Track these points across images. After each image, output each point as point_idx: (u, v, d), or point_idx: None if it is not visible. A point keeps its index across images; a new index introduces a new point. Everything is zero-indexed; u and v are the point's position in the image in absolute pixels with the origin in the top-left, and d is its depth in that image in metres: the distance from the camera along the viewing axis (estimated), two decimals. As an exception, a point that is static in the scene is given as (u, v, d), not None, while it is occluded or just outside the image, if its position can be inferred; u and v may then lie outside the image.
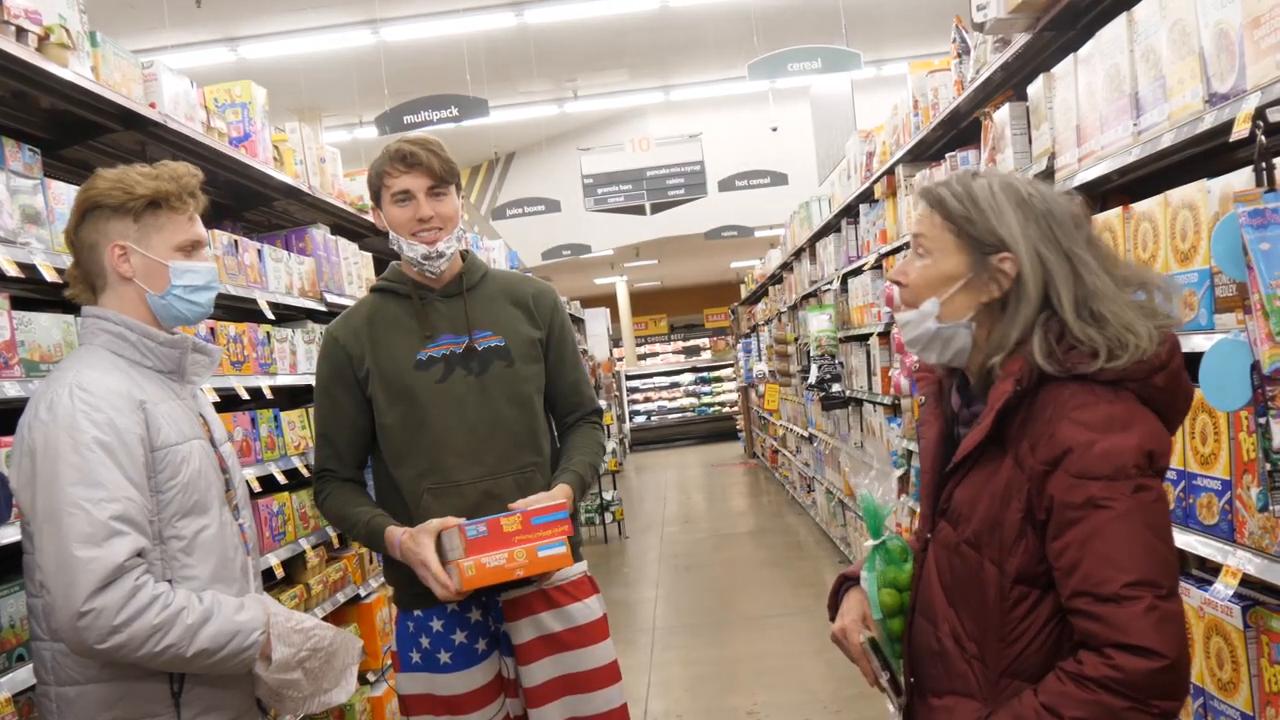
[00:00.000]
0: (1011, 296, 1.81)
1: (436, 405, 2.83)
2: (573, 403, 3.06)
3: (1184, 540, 2.69)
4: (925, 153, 5.64)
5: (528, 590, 2.86)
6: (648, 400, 24.39)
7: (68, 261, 2.44)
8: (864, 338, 7.21)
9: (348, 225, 5.84)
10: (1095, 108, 3.13)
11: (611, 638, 3.00)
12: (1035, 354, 1.75)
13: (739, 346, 19.07)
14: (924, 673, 1.94)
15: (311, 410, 4.56)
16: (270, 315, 4.31)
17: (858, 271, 7.35)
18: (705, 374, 25.04)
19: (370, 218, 5.87)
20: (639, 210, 16.09)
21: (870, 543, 2.13)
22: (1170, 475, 2.74)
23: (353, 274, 5.49)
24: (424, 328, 2.87)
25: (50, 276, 2.77)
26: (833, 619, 2.12)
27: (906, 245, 5.72)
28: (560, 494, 2.79)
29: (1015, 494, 1.76)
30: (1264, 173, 2.10)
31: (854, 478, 2.32)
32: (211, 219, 4.48)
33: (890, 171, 6.20)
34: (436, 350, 2.86)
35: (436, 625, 2.89)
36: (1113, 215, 2.95)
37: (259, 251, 4.31)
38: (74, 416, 2.13)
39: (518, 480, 2.85)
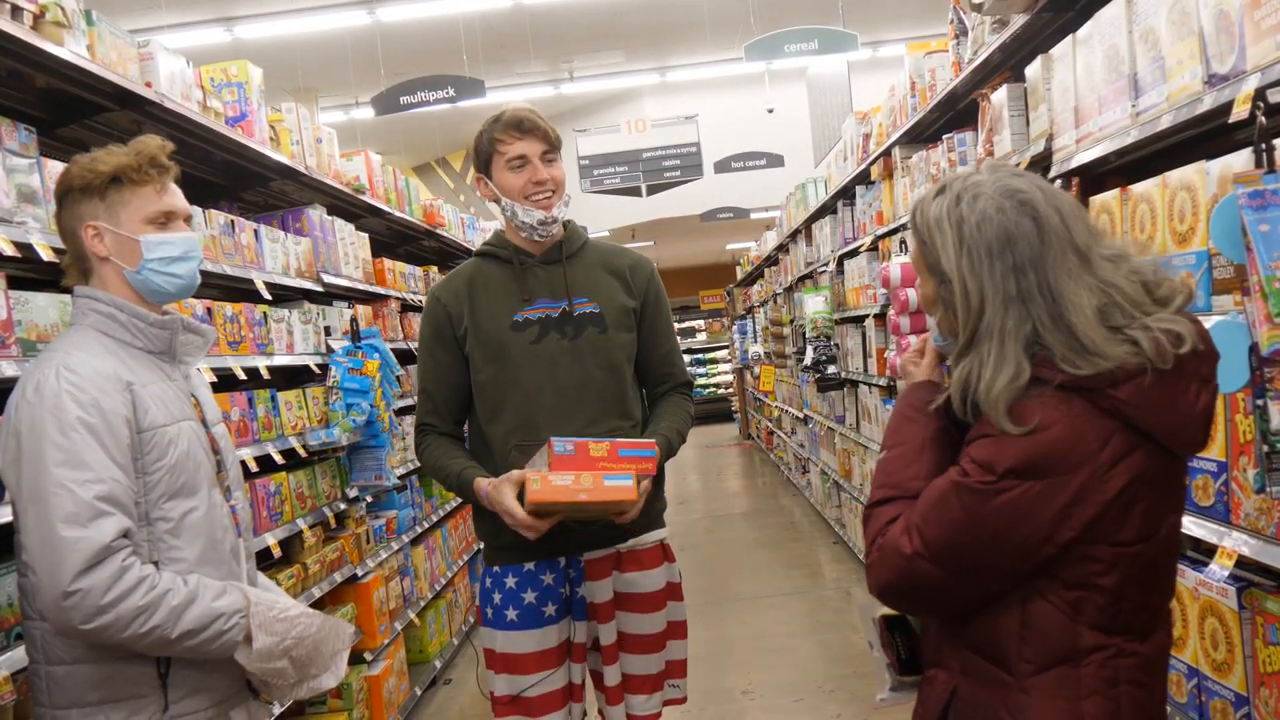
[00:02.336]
0: None
1: (529, 365, 2.92)
2: (664, 373, 3.13)
3: (1179, 521, 2.70)
4: (922, 134, 5.63)
5: (608, 551, 2.98)
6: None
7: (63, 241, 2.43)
8: (860, 319, 7.21)
9: (344, 205, 5.83)
10: (1094, 89, 3.12)
11: (680, 602, 3.17)
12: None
13: (734, 328, 19.06)
14: (924, 647, 1.96)
15: (309, 391, 4.58)
16: (267, 295, 4.31)
17: (854, 253, 7.34)
18: (701, 355, 25.02)
19: (367, 198, 5.88)
20: (635, 192, 16.05)
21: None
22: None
23: (349, 254, 5.49)
24: (522, 291, 2.96)
25: (47, 256, 2.76)
26: None
27: (903, 227, 5.72)
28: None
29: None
30: (1264, 154, 2.09)
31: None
32: (207, 199, 4.49)
33: (887, 153, 6.19)
34: (533, 313, 2.95)
35: (510, 582, 2.97)
36: (1110, 197, 2.95)
37: (256, 232, 4.30)
38: (59, 397, 2.12)
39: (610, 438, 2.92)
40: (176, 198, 2.38)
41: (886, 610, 2.06)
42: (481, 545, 3.11)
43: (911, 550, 1.75)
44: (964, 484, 1.70)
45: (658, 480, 2.94)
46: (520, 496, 2.70)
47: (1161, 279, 1.77)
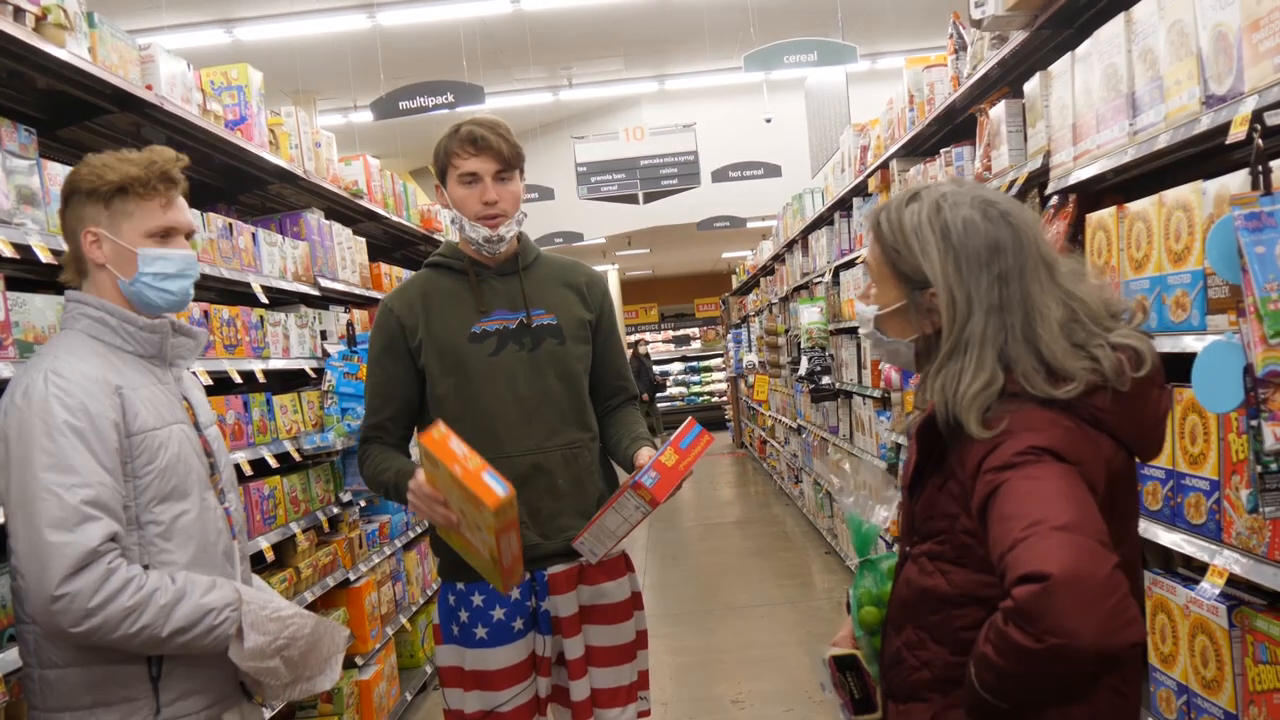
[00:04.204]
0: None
1: (488, 377, 2.90)
2: (617, 386, 3.14)
3: (1170, 539, 2.71)
4: (920, 148, 5.65)
5: (570, 565, 2.94)
6: (637, 389, 24.33)
7: (62, 243, 2.43)
8: (855, 331, 7.22)
9: (342, 210, 5.83)
10: (1092, 106, 3.13)
11: (642, 611, 3.13)
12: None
13: (729, 337, 19.07)
14: (890, 680, 1.96)
15: (304, 395, 4.58)
16: (264, 299, 4.31)
17: (850, 265, 7.36)
18: (695, 363, 25.05)
19: (365, 203, 5.88)
20: (632, 199, 16.06)
21: (855, 562, 2.16)
22: (1158, 473, 2.76)
23: (346, 258, 5.49)
24: (479, 303, 2.94)
25: (45, 258, 2.76)
26: None
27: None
28: (645, 456, 2.82)
29: (962, 508, 1.76)
30: (1260, 176, 2.11)
31: (840, 497, 2.31)
32: (205, 202, 4.49)
33: (884, 166, 6.21)
34: (490, 324, 2.93)
35: (477, 600, 2.93)
36: (1107, 214, 2.96)
37: (253, 235, 4.31)
38: (47, 402, 2.12)
39: (565, 455, 2.93)
40: (181, 213, 2.38)
41: (836, 650, 2.07)
42: (438, 560, 3.05)
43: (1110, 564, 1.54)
44: (1014, 479, 1.64)
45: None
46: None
47: (1114, 296, 1.81)
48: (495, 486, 2.32)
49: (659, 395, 23.91)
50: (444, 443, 2.41)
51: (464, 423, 2.85)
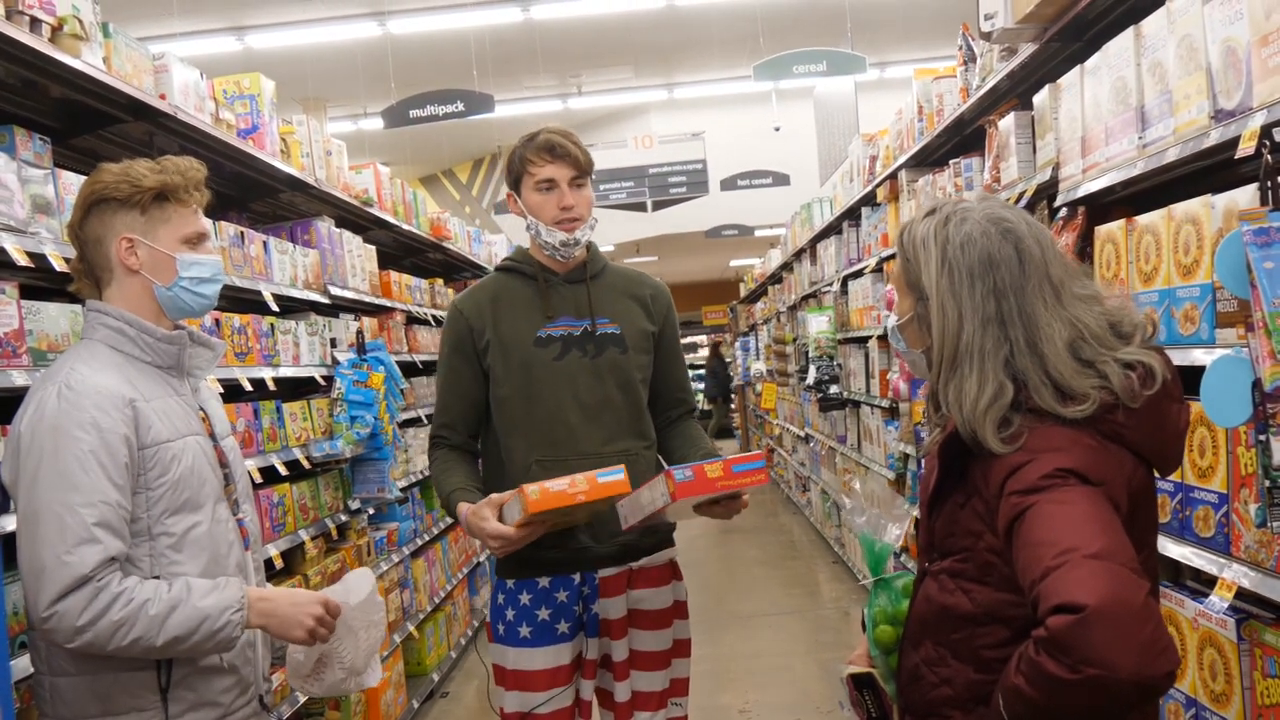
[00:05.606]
0: None
1: (551, 381, 2.95)
2: (678, 398, 3.19)
3: (1179, 551, 2.71)
4: (929, 158, 5.66)
5: (621, 569, 2.99)
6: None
7: (71, 261, 2.45)
8: (863, 340, 7.23)
9: (352, 218, 5.85)
10: (1101, 119, 3.14)
11: (685, 620, 3.15)
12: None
13: (737, 345, 19.07)
14: (907, 696, 1.96)
15: (313, 402, 4.60)
16: (274, 307, 4.33)
17: (858, 274, 7.36)
18: (703, 371, 24.98)
19: (375, 211, 5.90)
20: (640, 207, 16.11)
21: (868, 581, 2.17)
22: (1167, 486, 2.76)
23: (356, 266, 5.51)
24: (546, 307, 2.99)
25: (59, 266, 2.78)
26: None
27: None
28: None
29: (986, 526, 1.77)
30: (1269, 191, 2.11)
31: (852, 516, 2.32)
32: (217, 210, 4.51)
33: (893, 176, 6.22)
34: (556, 330, 2.98)
35: (525, 599, 2.98)
36: (1115, 227, 2.97)
37: (265, 243, 4.33)
38: (59, 418, 2.14)
39: (620, 461, 2.90)
40: (205, 220, 2.45)
41: (853, 668, 2.07)
42: (491, 558, 3.14)
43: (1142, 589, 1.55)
44: (1043, 504, 1.64)
45: None
46: (501, 516, 2.68)
47: (1124, 316, 1.82)
48: (612, 479, 2.60)
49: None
50: (548, 497, 2.56)
51: (525, 425, 2.95)
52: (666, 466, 2.67)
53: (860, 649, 2.13)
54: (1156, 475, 1.86)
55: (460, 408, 3.05)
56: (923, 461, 2.14)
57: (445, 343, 3.08)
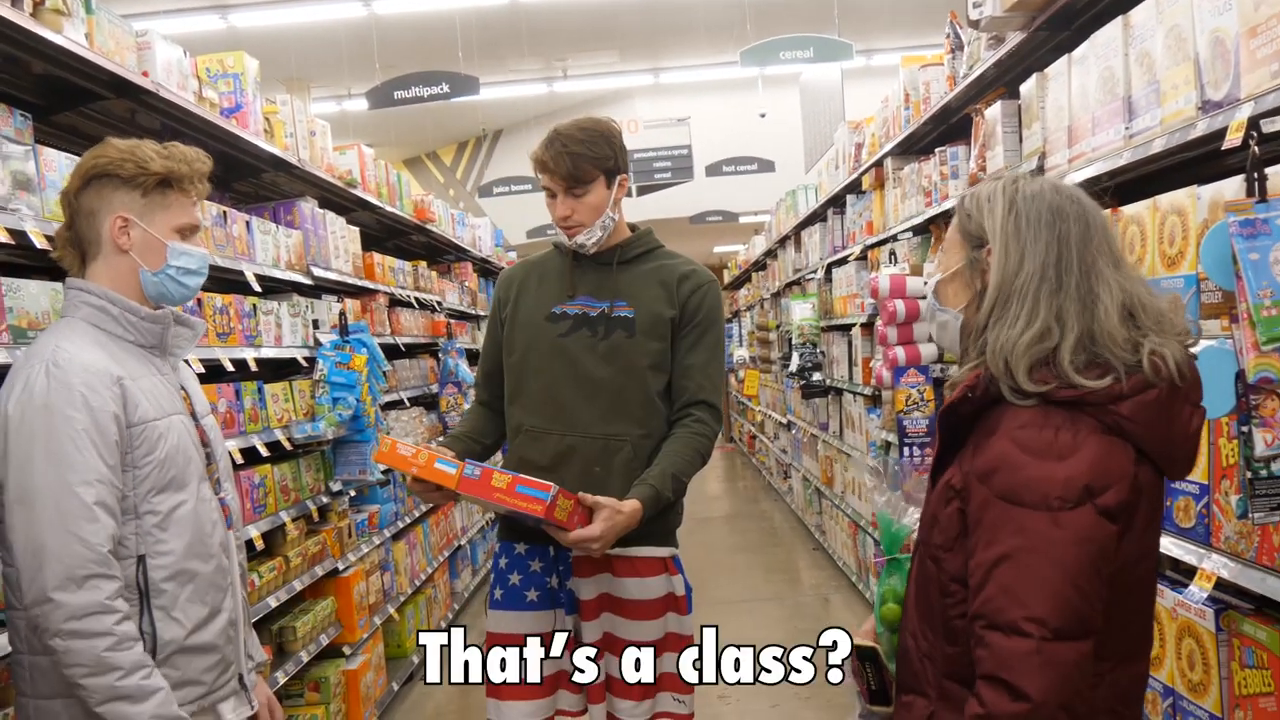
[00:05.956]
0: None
1: (551, 355, 3.01)
2: (682, 385, 3.04)
3: (1159, 542, 2.72)
4: (914, 146, 5.66)
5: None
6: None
7: (57, 229, 2.42)
8: (846, 328, 7.24)
9: (336, 199, 5.82)
10: (1088, 109, 3.15)
11: (685, 615, 3.09)
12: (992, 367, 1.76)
13: (720, 331, 19.04)
14: (899, 672, 1.98)
15: (295, 384, 4.59)
16: (257, 287, 4.31)
17: (842, 262, 7.37)
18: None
19: (359, 192, 5.88)
20: (625, 193, 16.07)
21: (882, 559, 2.19)
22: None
23: (339, 248, 5.48)
24: (566, 286, 3.07)
25: (40, 244, 2.76)
26: None
27: (894, 238, 5.74)
28: (627, 507, 2.79)
29: (955, 494, 1.78)
30: (1256, 183, 2.12)
31: (874, 495, 2.35)
32: (200, 189, 4.47)
33: (879, 164, 6.22)
34: (572, 308, 3.05)
35: (503, 562, 3.10)
36: (1102, 217, 2.97)
37: (247, 223, 4.30)
38: (49, 396, 2.13)
39: (605, 445, 2.96)
40: (200, 212, 2.46)
41: (859, 640, 2.09)
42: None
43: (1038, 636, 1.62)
44: (1035, 540, 1.65)
45: (670, 505, 2.96)
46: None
47: (1176, 310, 1.80)
48: (445, 469, 2.67)
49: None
50: (390, 452, 2.69)
51: (522, 394, 3.06)
52: (477, 463, 2.74)
53: (868, 624, 2.15)
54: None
55: (488, 368, 3.22)
56: (913, 448, 2.14)
57: (491, 307, 3.25)
